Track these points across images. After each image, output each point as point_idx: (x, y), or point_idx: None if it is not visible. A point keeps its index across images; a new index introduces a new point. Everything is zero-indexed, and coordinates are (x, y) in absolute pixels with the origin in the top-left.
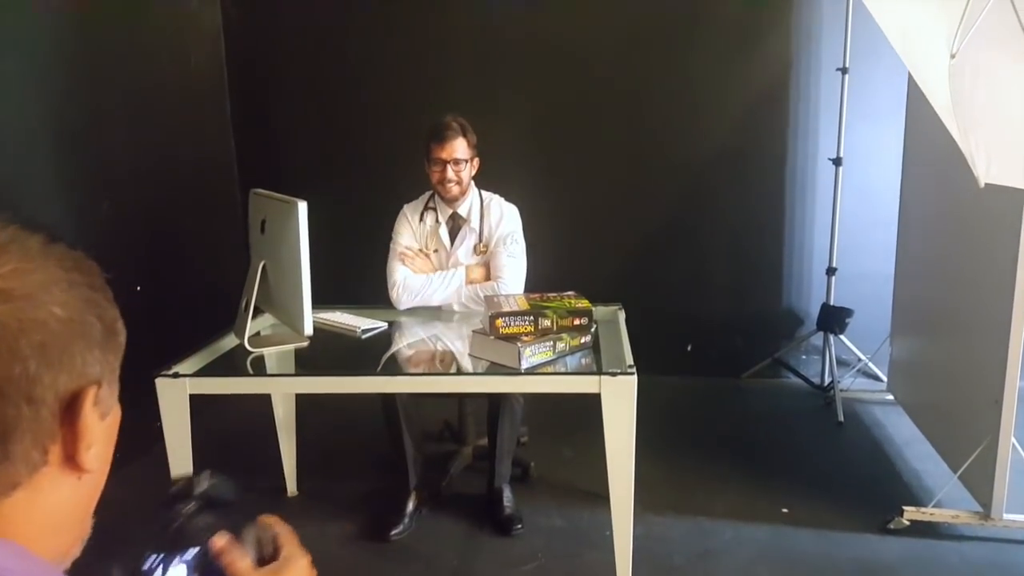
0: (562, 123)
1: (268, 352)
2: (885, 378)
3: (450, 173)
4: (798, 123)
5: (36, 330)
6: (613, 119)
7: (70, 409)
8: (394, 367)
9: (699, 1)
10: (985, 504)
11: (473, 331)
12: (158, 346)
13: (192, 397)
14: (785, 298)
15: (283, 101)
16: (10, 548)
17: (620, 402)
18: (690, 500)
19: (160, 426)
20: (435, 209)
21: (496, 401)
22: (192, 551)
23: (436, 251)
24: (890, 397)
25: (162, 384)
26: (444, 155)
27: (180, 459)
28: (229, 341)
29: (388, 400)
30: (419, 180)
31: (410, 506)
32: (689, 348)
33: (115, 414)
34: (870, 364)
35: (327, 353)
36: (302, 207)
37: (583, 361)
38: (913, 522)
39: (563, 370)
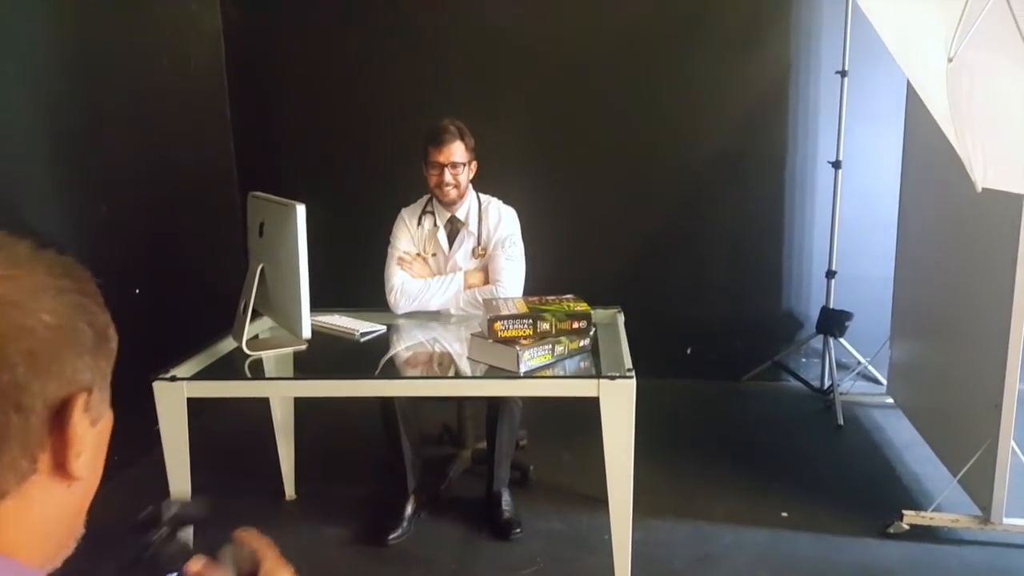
0: (561, 125)
1: (266, 355)
2: (885, 381)
3: (448, 177)
4: (797, 126)
5: (24, 337)
6: (612, 122)
7: (59, 416)
8: (392, 370)
9: (698, 4)
10: (985, 508)
11: (472, 334)
12: (157, 349)
13: (191, 399)
14: (785, 301)
15: (283, 104)
16: (8, 567)
17: (619, 406)
18: (690, 504)
19: (159, 429)
20: (433, 213)
21: (495, 404)
22: None
23: (434, 255)
24: (890, 400)
25: (159, 387)
26: (442, 159)
27: (178, 462)
28: (227, 344)
29: (386, 403)
30: (418, 183)
31: (408, 510)
32: (689, 351)
33: (107, 420)
34: (870, 367)
35: (325, 356)
36: (300, 210)
37: (582, 364)
38: (913, 526)
39: (562, 373)
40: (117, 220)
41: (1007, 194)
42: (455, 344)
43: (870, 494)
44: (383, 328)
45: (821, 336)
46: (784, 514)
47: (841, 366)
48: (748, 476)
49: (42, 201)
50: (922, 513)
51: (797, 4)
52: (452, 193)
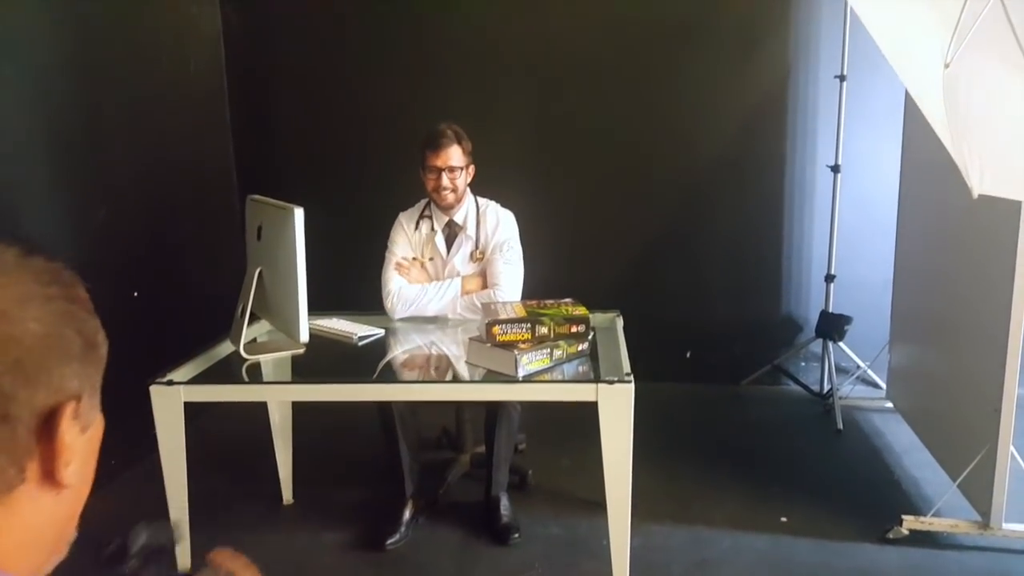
0: (560, 129)
1: (264, 359)
2: (884, 385)
3: (445, 181)
4: (796, 130)
5: (11, 346)
6: (611, 125)
7: (48, 425)
8: (390, 374)
9: (698, 9)
10: (984, 513)
11: (470, 338)
12: (156, 352)
13: (189, 403)
14: (784, 305)
15: (282, 107)
16: None
17: (617, 410)
18: (688, 509)
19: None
20: (431, 217)
21: (493, 409)
22: None
23: (432, 259)
24: (889, 405)
25: (156, 392)
26: (439, 163)
27: (175, 467)
28: (225, 348)
29: (384, 407)
30: (417, 186)
31: (406, 514)
32: (688, 355)
33: (97, 427)
34: (869, 371)
35: (323, 360)
36: (299, 213)
37: (580, 369)
38: (912, 531)
39: (560, 378)
40: (116, 223)
41: (1005, 199)
42: (453, 348)
43: (869, 499)
44: (381, 332)
45: (820, 340)
46: (783, 519)
47: (840, 370)
48: (747, 480)
49: (41, 204)
50: (921, 518)
51: (796, 8)
52: (450, 197)
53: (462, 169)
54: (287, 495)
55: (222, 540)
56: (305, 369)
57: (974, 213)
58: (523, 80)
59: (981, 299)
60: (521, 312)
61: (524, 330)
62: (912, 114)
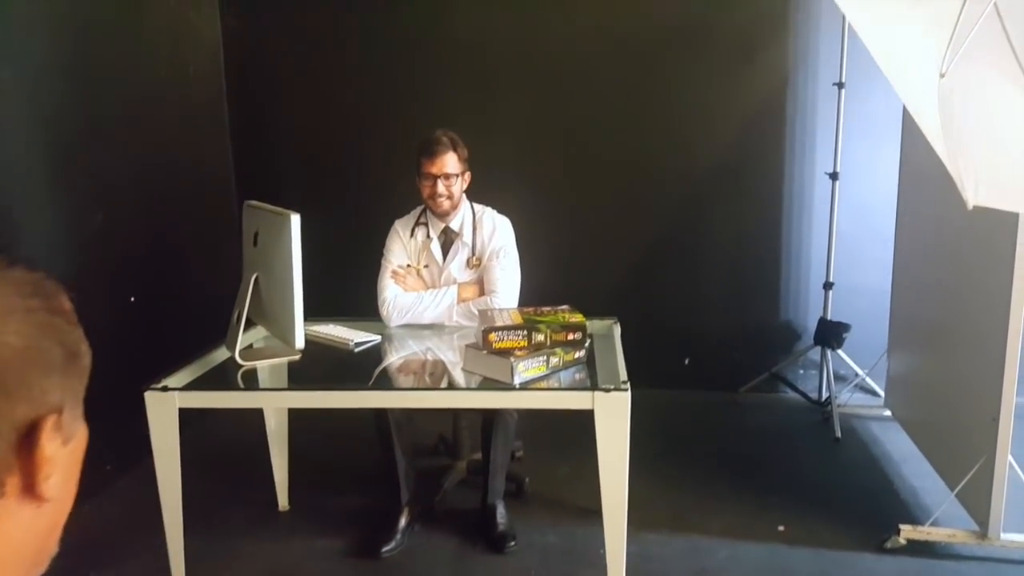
0: (557, 136)
1: (259, 365)
2: (882, 393)
3: (441, 188)
4: (795, 137)
5: None
6: (610, 132)
7: (28, 439)
8: (386, 381)
9: (696, 15)
10: (982, 523)
11: (466, 345)
12: (153, 356)
13: (184, 409)
14: (782, 312)
15: (282, 113)
16: None
17: (614, 418)
18: (686, 518)
19: None
20: (427, 224)
21: (490, 416)
22: None
23: (427, 266)
24: (887, 413)
25: (151, 398)
26: (434, 170)
27: (169, 473)
28: (220, 354)
29: (380, 414)
30: (415, 193)
31: (402, 522)
32: (686, 362)
33: (80, 438)
34: (867, 379)
35: (319, 366)
36: (295, 220)
37: (577, 376)
38: (910, 541)
39: (556, 385)
40: (114, 227)
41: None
42: (449, 355)
43: (867, 508)
44: (377, 338)
45: (819, 348)
46: (781, 528)
47: (839, 378)
48: (744, 489)
49: (39, 208)
50: (919, 528)
51: (795, 16)
52: (445, 204)
53: (458, 176)
54: (283, 501)
55: (217, 546)
56: (301, 375)
57: (972, 221)
58: (520, 86)
59: (979, 307)
60: (517, 319)
61: (520, 337)
62: (911, 122)
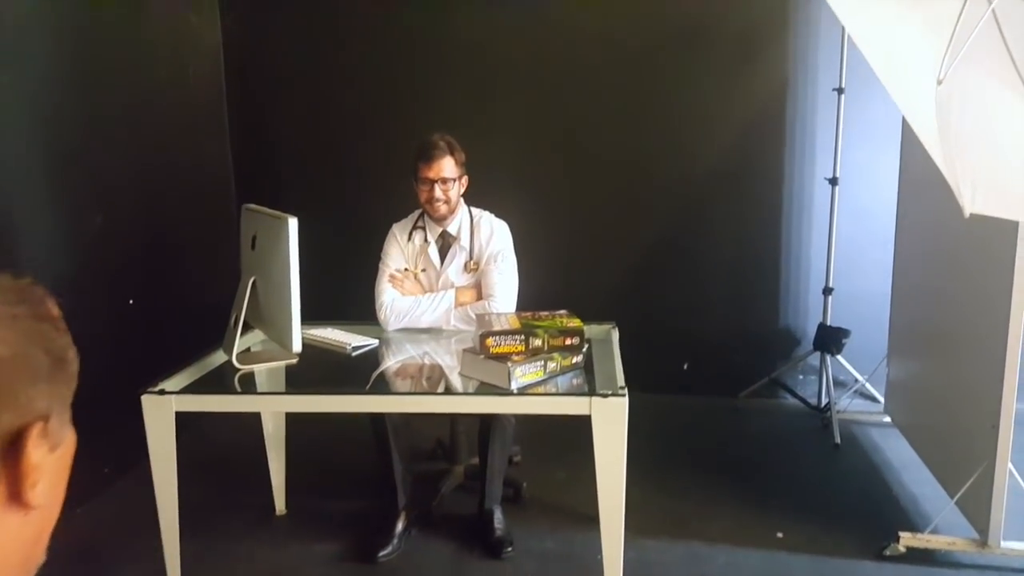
0: (556, 140)
1: (257, 369)
2: (882, 399)
3: (438, 192)
4: (795, 142)
5: None
6: (609, 136)
7: (14, 447)
8: (383, 385)
9: (696, 19)
10: (982, 531)
11: (464, 349)
12: (153, 358)
13: (182, 411)
14: (782, 318)
15: (281, 116)
16: None
17: (611, 424)
18: (684, 524)
19: None
20: (424, 228)
21: (487, 420)
22: None
23: (424, 270)
24: (887, 419)
25: (148, 401)
26: (432, 174)
27: (166, 477)
28: (218, 357)
29: (377, 418)
30: (412, 197)
31: (399, 527)
32: (685, 367)
33: (67, 444)
34: (867, 385)
35: (316, 370)
36: (292, 223)
37: (574, 381)
38: (909, 548)
39: (554, 390)
40: (113, 230)
41: None
42: (447, 359)
43: (867, 515)
44: (375, 342)
45: (818, 353)
46: (779, 534)
47: (838, 384)
48: (743, 495)
49: (38, 210)
50: (919, 535)
51: (794, 21)
52: (442, 208)
53: (455, 180)
54: (280, 505)
55: (213, 550)
56: (298, 379)
57: (972, 227)
58: (519, 90)
59: (979, 313)
60: (515, 324)
61: (518, 342)
62: (910, 128)
